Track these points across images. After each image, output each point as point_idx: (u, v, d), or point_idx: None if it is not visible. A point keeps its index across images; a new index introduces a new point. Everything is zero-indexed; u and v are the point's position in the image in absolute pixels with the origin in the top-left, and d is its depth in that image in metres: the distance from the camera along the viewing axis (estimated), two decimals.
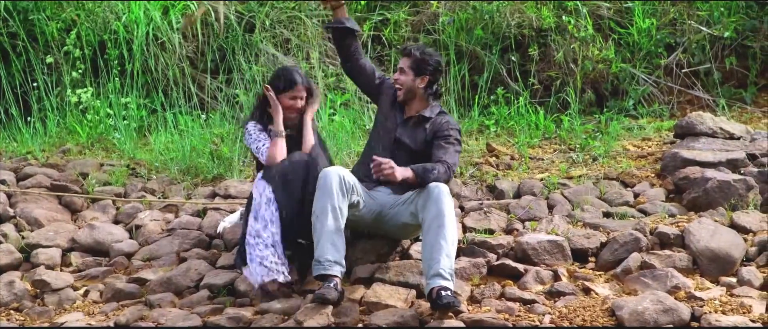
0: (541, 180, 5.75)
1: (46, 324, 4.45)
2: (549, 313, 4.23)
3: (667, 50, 7.30)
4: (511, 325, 4.11)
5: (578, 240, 4.84)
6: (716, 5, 7.31)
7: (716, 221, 4.94)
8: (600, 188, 5.60)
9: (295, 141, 4.82)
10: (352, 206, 4.40)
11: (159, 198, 5.86)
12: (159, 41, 7.29)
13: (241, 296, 4.50)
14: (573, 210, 5.33)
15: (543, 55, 7.25)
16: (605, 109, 7.02)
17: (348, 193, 4.35)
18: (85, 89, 7.05)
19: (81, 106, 7.01)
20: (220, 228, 5.19)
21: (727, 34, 7.14)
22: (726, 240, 4.72)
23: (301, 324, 4.11)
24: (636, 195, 5.51)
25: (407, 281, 4.45)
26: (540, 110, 6.89)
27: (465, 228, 5.04)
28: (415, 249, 4.77)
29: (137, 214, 5.57)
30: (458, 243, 4.43)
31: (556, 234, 4.88)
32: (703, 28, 7.24)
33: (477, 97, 7.06)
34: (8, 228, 5.27)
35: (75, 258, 5.10)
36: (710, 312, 4.14)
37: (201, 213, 5.57)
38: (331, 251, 4.23)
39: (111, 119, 6.97)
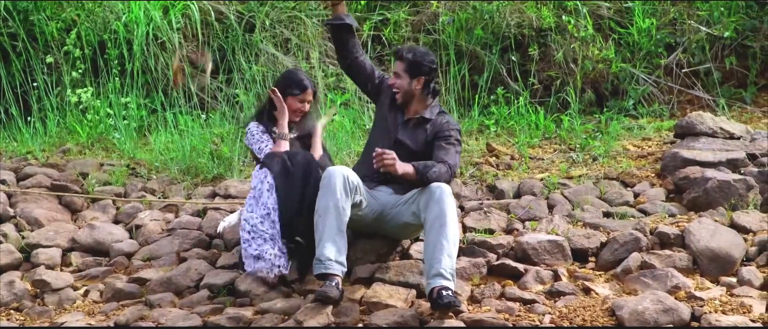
0: (541, 180, 5.75)
1: (47, 324, 4.45)
2: (549, 313, 4.23)
3: (667, 50, 7.30)
4: (511, 325, 4.11)
5: (578, 240, 4.84)
6: (716, 5, 7.31)
7: (716, 221, 4.94)
8: (600, 188, 5.60)
9: (299, 145, 4.85)
10: (355, 206, 4.40)
11: (159, 198, 5.86)
12: (159, 41, 7.29)
13: (241, 296, 4.50)
14: (573, 210, 5.33)
15: (543, 54, 7.25)
16: (605, 109, 7.02)
17: (351, 193, 4.35)
18: (85, 89, 7.05)
19: (81, 106, 7.01)
20: (220, 228, 5.19)
21: (727, 33, 7.14)
22: (726, 240, 4.72)
23: (302, 323, 4.11)
24: (636, 195, 5.51)
25: (407, 281, 4.45)
26: (540, 110, 6.89)
27: (465, 228, 5.04)
28: (415, 249, 4.77)
29: (137, 214, 5.56)
30: (459, 243, 4.43)
31: (556, 234, 4.89)
32: (703, 28, 7.25)
33: (477, 96, 7.06)
34: (8, 228, 5.26)
35: (75, 258, 5.10)
36: (710, 312, 4.14)
37: (201, 213, 5.57)
38: (332, 250, 4.23)
39: (111, 119, 6.97)
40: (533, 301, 4.34)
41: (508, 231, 5.08)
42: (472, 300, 4.42)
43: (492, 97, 7.06)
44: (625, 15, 7.44)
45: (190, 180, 6.10)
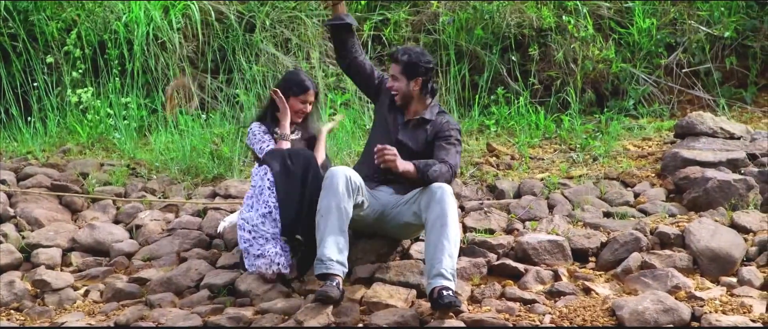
0: (542, 180, 5.75)
1: (47, 324, 4.44)
2: (549, 313, 4.23)
3: (668, 50, 7.31)
4: (511, 325, 4.11)
5: (578, 240, 4.84)
6: (716, 5, 7.32)
7: (716, 221, 4.94)
8: (600, 188, 5.60)
9: (304, 146, 4.87)
10: (357, 206, 4.40)
11: (159, 198, 5.86)
12: (159, 41, 7.29)
13: (241, 296, 4.50)
14: (573, 210, 5.33)
15: (543, 54, 7.25)
16: (605, 109, 7.02)
17: (354, 194, 4.35)
18: (85, 89, 7.06)
19: (81, 106, 7.02)
20: (220, 228, 5.19)
21: (727, 33, 7.14)
22: (726, 240, 4.72)
23: (302, 323, 4.11)
24: (636, 195, 5.51)
25: (407, 281, 4.45)
26: (540, 110, 6.89)
27: (465, 228, 5.04)
28: (416, 249, 4.77)
29: (137, 214, 5.57)
30: (460, 244, 4.42)
31: (557, 234, 4.89)
32: (704, 28, 7.25)
33: (477, 96, 7.06)
34: (8, 228, 5.27)
35: (75, 258, 5.11)
36: (710, 312, 4.14)
37: (201, 213, 5.57)
38: (334, 250, 4.23)
39: (111, 119, 6.97)
40: (533, 301, 4.34)
41: (509, 231, 5.08)
42: (473, 300, 4.42)
43: (492, 97, 7.06)
44: (625, 15, 7.45)
45: (191, 180, 6.10)
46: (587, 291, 4.44)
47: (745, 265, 4.64)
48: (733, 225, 4.94)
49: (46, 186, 5.86)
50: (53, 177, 6.01)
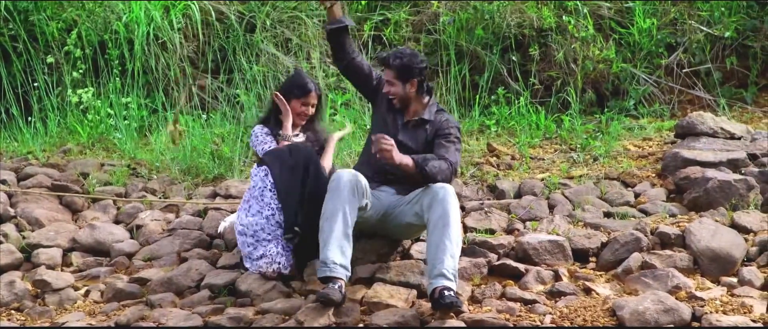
0: (542, 180, 5.75)
1: (47, 324, 4.45)
2: (550, 313, 4.23)
3: (668, 50, 7.30)
4: (511, 325, 4.11)
5: (579, 240, 4.84)
6: (717, 5, 7.32)
7: (717, 221, 4.94)
8: (601, 188, 5.60)
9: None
10: (361, 209, 4.39)
11: (160, 198, 5.86)
12: (160, 41, 7.29)
13: (241, 296, 4.50)
14: (574, 210, 5.33)
15: (544, 55, 7.25)
16: (606, 109, 7.02)
17: (359, 197, 4.35)
18: (85, 89, 7.06)
19: (82, 106, 7.02)
20: (220, 228, 5.19)
21: (727, 34, 7.14)
22: (727, 240, 4.72)
23: (302, 324, 4.11)
24: (637, 195, 5.51)
25: (408, 281, 4.45)
26: (541, 110, 6.89)
27: (466, 228, 5.04)
28: (416, 249, 4.78)
29: (138, 214, 5.57)
30: (461, 244, 4.42)
31: (557, 234, 4.89)
32: (704, 28, 7.25)
33: (478, 96, 7.06)
34: (9, 228, 5.27)
35: (76, 258, 5.11)
36: (711, 312, 4.14)
37: (202, 213, 5.57)
38: (337, 254, 4.22)
39: (112, 119, 6.97)
40: (534, 301, 4.34)
41: (509, 231, 5.08)
42: (473, 300, 4.42)
43: (493, 97, 7.06)
44: (625, 15, 7.44)
45: (191, 181, 6.10)
46: (588, 291, 4.44)
47: (746, 265, 4.64)
48: (734, 226, 4.95)
49: (46, 187, 5.86)
50: (54, 177, 6.01)
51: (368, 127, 6.60)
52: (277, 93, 4.95)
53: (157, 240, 5.20)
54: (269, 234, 4.60)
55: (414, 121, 4.73)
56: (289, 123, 4.87)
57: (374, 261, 4.67)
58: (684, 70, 7.21)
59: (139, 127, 7.02)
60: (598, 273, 4.68)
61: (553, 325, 4.14)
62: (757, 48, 7.18)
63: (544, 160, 6.23)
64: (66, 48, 7.22)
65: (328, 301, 4.13)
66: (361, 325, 4.18)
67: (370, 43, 7.43)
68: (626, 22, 7.37)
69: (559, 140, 6.59)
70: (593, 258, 4.81)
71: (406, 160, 4.40)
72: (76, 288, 4.80)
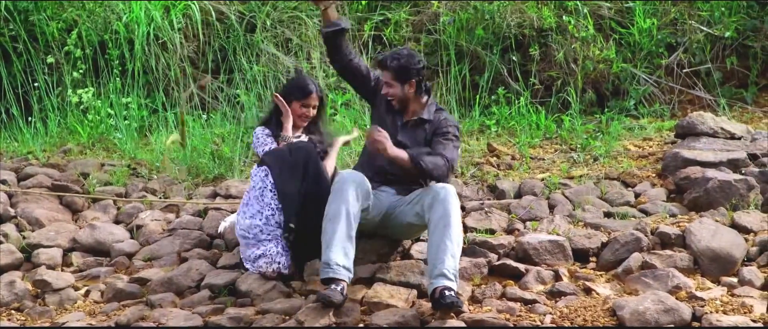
0: (542, 180, 5.75)
1: (47, 324, 4.45)
2: (550, 313, 4.23)
3: (668, 50, 7.30)
4: (512, 325, 4.11)
5: (579, 240, 4.84)
6: (717, 5, 7.32)
7: (717, 221, 4.94)
8: (601, 188, 5.59)
9: None
10: (363, 211, 4.40)
11: (160, 198, 5.86)
12: (160, 41, 7.29)
13: (242, 296, 4.50)
14: (574, 210, 5.33)
15: (544, 55, 7.25)
16: (606, 109, 7.02)
17: (362, 199, 4.35)
18: (86, 89, 7.06)
19: (82, 106, 7.02)
20: (221, 228, 5.19)
21: (727, 34, 7.14)
22: (727, 240, 4.72)
23: (303, 324, 4.11)
24: (637, 195, 5.51)
25: (408, 281, 4.45)
26: (541, 110, 6.89)
27: (466, 228, 5.03)
28: (416, 249, 4.78)
29: (138, 214, 5.57)
30: (462, 245, 4.42)
31: (557, 234, 4.89)
32: (704, 28, 7.25)
33: (478, 96, 7.06)
34: (9, 228, 5.27)
35: (76, 258, 5.11)
36: (711, 312, 4.14)
37: (202, 214, 5.57)
38: (341, 256, 4.22)
39: (112, 119, 6.97)
40: (534, 301, 4.34)
41: (509, 231, 5.08)
42: (473, 300, 4.42)
43: (493, 97, 7.06)
44: (625, 15, 7.44)
45: (191, 181, 6.10)
46: (588, 291, 4.44)
47: (746, 265, 4.64)
48: (734, 226, 4.95)
49: (46, 187, 5.86)
50: (54, 177, 6.01)
51: (368, 127, 6.60)
52: (277, 94, 4.95)
53: (158, 240, 5.20)
54: (269, 234, 4.60)
55: (413, 121, 4.73)
56: (289, 124, 4.87)
57: (374, 261, 4.67)
58: (684, 70, 7.21)
59: (139, 127, 7.02)
60: (599, 273, 4.68)
61: (554, 325, 4.14)
62: (758, 48, 7.18)
63: (544, 160, 6.23)
64: (66, 48, 7.23)
65: (329, 303, 4.13)
66: (361, 325, 4.17)
67: (370, 44, 7.43)
68: (626, 22, 7.37)
69: (559, 140, 6.59)
70: (593, 258, 4.81)
71: (401, 153, 4.40)
72: (77, 288, 4.80)
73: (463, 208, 5.35)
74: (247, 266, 4.65)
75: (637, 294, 4.35)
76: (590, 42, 7.16)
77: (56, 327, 4.39)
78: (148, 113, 7.11)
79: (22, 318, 4.52)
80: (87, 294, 4.73)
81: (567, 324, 4.13)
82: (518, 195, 5.58)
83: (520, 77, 7.17)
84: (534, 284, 4.53)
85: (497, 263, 4.68)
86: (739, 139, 6.00)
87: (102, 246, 5.19)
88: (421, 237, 4.84)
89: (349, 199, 4.27)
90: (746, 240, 4.82)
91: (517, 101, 6.94)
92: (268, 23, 7.51)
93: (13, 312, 4.58)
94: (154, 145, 6.64)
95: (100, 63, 7.26)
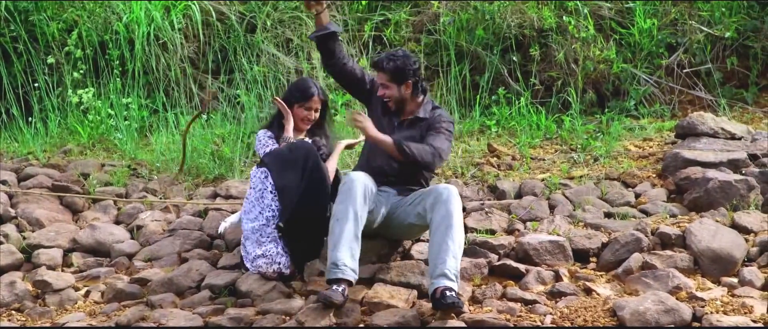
0: (543, 180, 5.75)
1: (48, 325, 4.45)
2: (550, 313, 4.23)
3: (669, 50, 7.30)
4: (512, 325, 4.11)
5: (579, 240, 4.84)
6: (717, 5, 7.32)
7: (717, 221, 4.93)
8: (601, 188, 5.59)
9: None
10: (369, 212, 4.40)
11: (160, 198, 5.86)
12: (160, 41, 7.29)
13: (242, 296, 4.50)
14: (574, 210, 5.33)
15: (544, 55, 7.25)
16: (606, 110, 7.02)
17: (369, 201, 4.36)
18: (86, 89, 7.06)
19: (82, 107, 7.02)
20: (221, 229, 5.19)
21: (728, 34, 7.14)
22: (727, 241, 4.72)
23: (303, 324, 4.11)
24: (637, 196, 5.51)
25: (408, 281, 4.45)
26: (541, 110, 6.89)
27: (466, 229, 5.03)
28: (417, 249, 4.78)
29: (138, 215, 5.57)
30: (464, 246, 4.43)
31: (558, 235, 4.88)
32: (705, 29, 7.25)
33: (478, 97, 7.06)
34: (9, 228, 5.27)
35: (76, 258, 5.11)
36: (712, 313, 4.14)
37: (202, 214, 5.57)
38: (348, 256, 4.23)
39: (112, 119, 6.97)
40: (534, 302, 4.34)
41: (510, 231, 5.08)
42: (474, 300, 4.42)
43: (493, 97, 7.06)
44: (626, 15, 7.44)
45: (191, 181, 6.10)
46: (588, 291, 4.44)
47: (746, 266, 4.64)
48: (734, 226, 4.94)
49: (47, 187, 5.86)
50: (54, 177, 6.01)
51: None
52: (276, 97, 4.96)
53: (158, 240, 5.20)
54: (268, 236, 4.61)
55: (409, 120, 4.74)
56: (290, 126, 4.88)
57: (375, 261, 4.67)
58: (684, 71, 7.21)
59: (139, 128, 7.02)
60: (599, 273, 4.68)
61: (554, 325, 4.14)
62: (758, 48, 7.18)
63: (544, 160, 6.23)
64: (66, 48, 7.23)
65: (330, 303, 4.13)
66: (361, 325, 4.18)
67: (370, 44, 7.43)
68: (627, 23, 7.37)
69: (559, 140, 6.59)
70: (594, 259, 4.80)
71: (385, 137, 4.43)
72: (77, 289, 4.80)
73: (463, 209, 5.35)
74: (247, 265, 4.64)
75: (637, 295, 4.35)
76: (590, 42, 7.16)
77: (56, 328, 4.39)
78: (149, 113, 7.12)
79: (23, 319, 4.52)
80: (87, 294, 4.74)
81: (567, 324, 4.13)
82: (518, 195, 5.58)
83: (520, 77, 7.17)
84: (534, 284, 4.53)
85: (497, 263, 4.68)
86: (740, 139, 6.00)
87: (102, 246, 5.19)
88: (422, 238, 4.84)
89: (357, 200, 4.29)
90: (746, 240, 4.82)
91: (517, 101, 6.94)
92: (269, 23, 7.51)
93: (13, 312, 4.58)
94: (154, 145, 6.64)
95: (101, 63, 7.26)
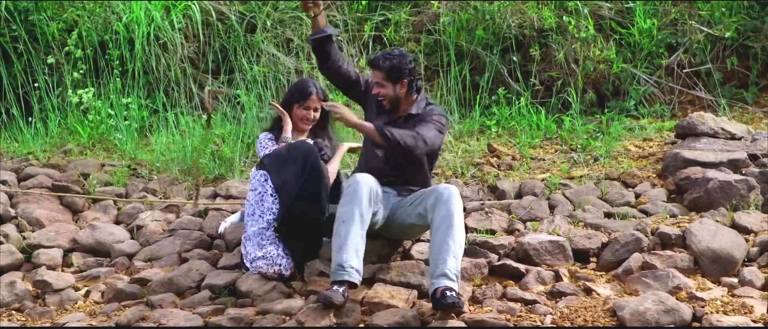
0: (543, 180, 5.75)
1: (48, 325, 4.45)
2: (550, 313, 4.23)
3: (669, 50, 7.31)
4: (512, 325, 4.11)
5: (579, 240, 4.84)
6: (717, 5, 7.32)
7: (718, 221, 4.94)
8: (601, 188, 5.59)
9: None
10: (373, 214, 4.41)
11: (160, 198, 5.86)
12: (160, 41, 7.29)
13: (242, 296, 4.50)
14: (574, 210, 5.33)
15: (544, 55, 7.25)
16: (606, 110, 7.02)
17: (373, 202, 4.36)
18: (86, 89, 7.06)
19: (82, 107, 7.02)
20: (221, 229, 5.19)
21: (728, 34, 7.14)
22: (727, 241, 4.72)
23: (303, 324, 4.11)
24: (637, 196, 5.51)
25: (409, 281, 4.45)
26: (541, 110, 6.89)
27: (467, 229, 5.02)
28: (417, 249, 4.78)
29: (138, 215, 5.57)
30: (464, 246, 4.42)
31: (558, 235, 4.89)
32: (705, 29, 7.25)
33: (478, 97, 7.06)
34: (9, 228, 5.27)
35: (76, 258, 5.11)
36: (712, 313, 4.14)
37: (202, 214, 5.57)
38: (354, 258, 4.23)
39: (112, 119, 6.97)
40: (534, 302, 4.34)
41: (510, 231, 5.08)
42: (474, 300, 4.43)
43: (493, 97, 7.06)
44: (626, 15, 7.44)
45: (192, 181, 6.10)
46: (588, 291, 4.44)
47: (746, 266, 4.64)
48: (734, 226, 4.94)
49: (47, 187, 5.86)
50: (54, 177, 6.01)
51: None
52: (273, 102, 4.97)
53: (158, 240, 5.20)
54: (269, 238, 4.61)
55: (403, 117, 4.74)
56: (288, 127, 4.88)
57: (375, 261, 4.67)
58: (684, 71, 7.21)
59: (139, 128, 7.02)
60: (599, 273, 4.68)
61: (554, 325, 4.14)
62: (758, 48, 7.18)
63: (544, 160, 6.23)
64: (66, 48, 7.23)
65: (330, 303, 4.13)
66: (361, 326, 4.18)
67: (370, 44, 7.43)
68: (627, 23, 7.37)
69: (559, 140, 6.59)
70: (594, 259, 4.80)
71: (366, 123, 4.45)
72: (77, 289, 4.80)
73: (463, 209, 5.35)
74: (247, 265, 4.64)
75: (637, 295, 4.35)
76: (590, 42, 7.16)
77: (56, 328, 4.39)
78: (149, 113, 7.12)
79: (23, 319, 4.52)
80: (87, 294, 4.73)
81: (567, 324, 4.13)
82: (518, 195, 5.58)
83: (520, 77, 7.17)
84: (534, 284, 4.53)
85: (497, 263, 4.68)
86: (740, 139, 6.00)
87: (102, 246, 5.19)
88: (422, 238, 4.84)
89: (363, 201, 4.29)
90: (747, 240, 4.82)
91: (517, 101, 6.94)
92: (269, 23, 7.51)
93: (13, 312, 4.58)
94: (154, 145, 6.64)
95: (101, 63, 7.26)
